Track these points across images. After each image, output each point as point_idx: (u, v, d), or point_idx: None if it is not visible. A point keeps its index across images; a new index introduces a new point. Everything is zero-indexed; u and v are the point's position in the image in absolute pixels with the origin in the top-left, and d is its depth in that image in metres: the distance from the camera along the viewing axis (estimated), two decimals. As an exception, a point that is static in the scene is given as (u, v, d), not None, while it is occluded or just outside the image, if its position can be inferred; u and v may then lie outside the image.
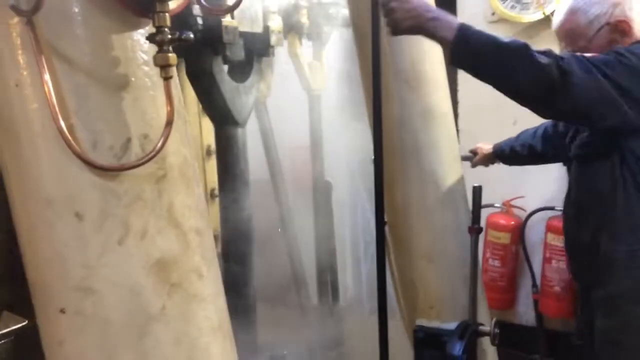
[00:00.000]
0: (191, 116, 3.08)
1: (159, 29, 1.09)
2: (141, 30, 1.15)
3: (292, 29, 3.56)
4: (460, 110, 4.74)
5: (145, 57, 1.14)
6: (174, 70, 1.11)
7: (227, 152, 2.91)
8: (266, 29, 2.99)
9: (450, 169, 2.63)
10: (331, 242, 4.12)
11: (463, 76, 4.52)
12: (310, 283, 4.00)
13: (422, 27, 1.91)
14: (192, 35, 1.11)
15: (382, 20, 2.04)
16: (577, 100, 1.85)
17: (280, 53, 3.60)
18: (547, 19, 3.93)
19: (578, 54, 1.96)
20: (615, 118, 1.91)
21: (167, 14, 1.09)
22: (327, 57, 4.10)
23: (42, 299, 1.13)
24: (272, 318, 3.98)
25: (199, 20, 2.50)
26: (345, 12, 3.66)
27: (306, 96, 3.96)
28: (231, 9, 1.45)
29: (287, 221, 3.91)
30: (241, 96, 2.86)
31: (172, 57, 1.10)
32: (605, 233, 2.10)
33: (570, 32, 2.07)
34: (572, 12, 2.06)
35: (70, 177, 1.07)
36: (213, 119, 2.97)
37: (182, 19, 2.19)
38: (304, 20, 3.57)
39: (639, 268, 2.01)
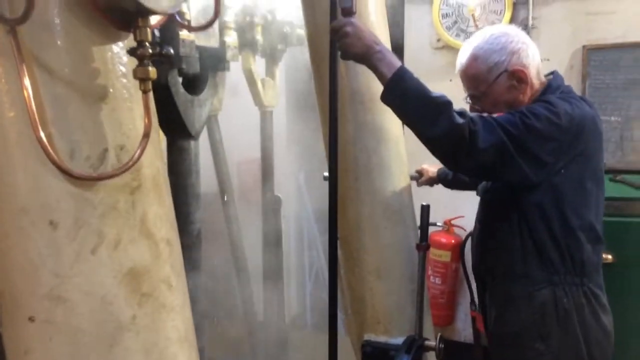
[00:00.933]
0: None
1: (140, 43, 1.11)
2: (120, 43, 1.17)
3: (246, 45, 3.61)
4: (406, 131, 4.91)
5: (124, 69, 1.16)
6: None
7: (179, 164, 2.90)
8: (222, 43, 3.02)
9: (400, 188, 2.72)
10: (279, 256, 4.15)
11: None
12: (256, 298, 4.01)
13: (368, 57, 2.08)
14: (172, 51, 1.14)
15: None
16: (480, 160, 2.01)
17: (234, 68, 3.64)
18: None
19: (485, 114, 2.13)
20: (514, 175, 2.07)
21: (148, 29, 1.12)
22: (281, 74, 4.17)
23: (11, 307, 1.12)
24: (217, 333, 3.96)
25: (156, 32, 2.51)
26: (300, 31, 3.74)
27: (258, 112, 4.01)
28: (207, 26, 1.49)
29: (235, 235, 3.92)
30: (195, 109, 2.87)
31: (152, 70, 1.13)
32: (503, 274, 2.27)
33: (472, 77, 2.23)
34: (474, 59, 2.20)
35: (47, 186, 1.07)
36: (166, 131, 2.97)
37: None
38: (259, 37, 3.62)
39: (536, 307, 2.17)
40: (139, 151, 1.10)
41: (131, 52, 1.11)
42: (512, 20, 4.28)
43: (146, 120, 1.12)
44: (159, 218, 1.22)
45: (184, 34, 2.58)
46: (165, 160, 3.12)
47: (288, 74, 4.71)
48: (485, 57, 2.17)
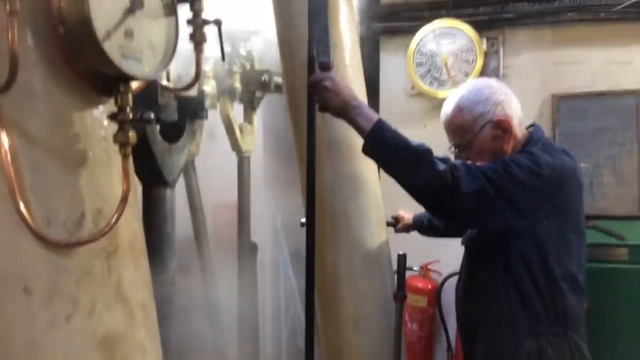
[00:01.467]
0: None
1: (121, 109, 1.12)
2: (101, 107, 1.18)
3: (224, 92, 3.64)
4: (383, 175, 4.95)
5: (104, 133, 1.17)
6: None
7: (154, 212, 2.88)
8: (201, 92, 3.04)
9: (377, 236, 2.74)
10: (254, 303, 4.09)
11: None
12: (231, 345, 3.94)
13: (346, 112, 2.13)
14: (152, 116, 1.15)
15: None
16: (463, 206, 2.06)
17: (212, 112, 3.66)
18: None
19: (469, 162, 2.18)
20: (497, 223, 2.12)
21: (129, 95, 1.13)
22: (259, 119, 4.20)
23: (-19, 376, 1.09)
24: (192, 383, 3.86)
25: (136, 83, 2.52)
26: (278, 79, 3.79)
27: (235, 157, 4.01)
28: (188, 88, 1.51)
29: (209, 282, 3.87)
30: (172, 157, 2.86)
31: (132, 135, 1.13)
32: (488, 324, 2.28)
33: (457, 127, 2.29)
34: (459, 109, 2.26)
35: (22, 252, 1.05)
36: (142, 179, 2.95)
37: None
38: (237, 85, 3.66)
39: (522, 357, 2.17)
40: (116, 216, 1.10)
41: (112, 117, 1.12)
42: (484, 69, 4.40)
43: (125, 185, 1.12)
44: (135, 282, 1.21)
45: (163, 83, 2.60)
46: (141, 209, 3.11)
47: (266, 119, 4.75)
48: (471, 108, 2.23)
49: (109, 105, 1.18)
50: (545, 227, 2.13)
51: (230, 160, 4.10)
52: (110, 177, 1.17)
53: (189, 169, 3.88)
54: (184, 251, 4.12)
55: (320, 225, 2.62)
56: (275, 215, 5.00)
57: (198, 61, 1.42)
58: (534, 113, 4.34)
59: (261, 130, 4.70)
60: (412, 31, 4.53)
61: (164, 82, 2.65)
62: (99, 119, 1.16)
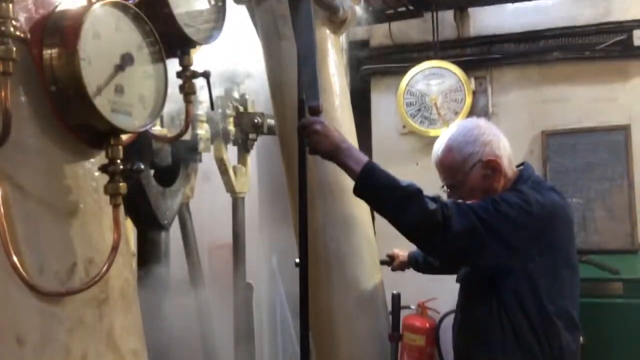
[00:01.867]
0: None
1: (112, 161, 1.16)
2: (93, 159, 1.21)
3: (218, 135, 3.70)
4: (376, 214, 4.99)
5: (94, 184, 1.20)
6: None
7: (149, 256, 2.89)
8: (194, 136, 3.09)
9: (370, 275, 2.75)
10: (250, 345, 4.06)
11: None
12: (228, 389, 3.89)
13: (336, 155, 2.18)
14: (142, 166, 1.19)
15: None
16: (454, 244, 2.09)
17: (207, 155, 3.71)
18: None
19: (460, 200, 2.21)
20: (489, 260, 2.14)
21: (120, 147, 1.17)
22: (253, 160, 4.25)
23: None
24: None
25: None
26: (271, 121, 3.85)
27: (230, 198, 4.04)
28: (177, 137, 1.55)
29: (205, 325, 3.84)
30: (166, 200, 2.89)
31: (123, 186, 1.17)
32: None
33: (448, 167, 2.33)
34: (449, 150, 2.30)
35: (15, 302, 1.07)
36: (137, 223, 2.97)
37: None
38: (231, 127, 3.72)
39: None
40: (107, 265, 1.12)
41: (103, 169, 1.16)
42: (473, 107, 4.49)
43: (115, 235, 1.15)
44: (126, 330, 1.22)
45: (156, 129, 2.65)
46: (135, 252, 3.13)
47: (261, 161, 4.80)
48: (460, 148, 2.27)
49: (101, 157, 1.22)
50: (537, 264, 2.15)
51: (226, 202, 4.13)
52: (101, 227, 1.20)
53: (183, 212, 3.89)
54: (179, 293, 4.11)
55: (314, 266, 2.63)
56: (271, 255, 5.01)
57: (188, 111, 1.47)
58: (525, 150, 4.41)
59: (256, 172, 4.75)
60: (402, 72, 4.64)
61: (158, 128, 2.72)
62: (90, 170, 1.20)
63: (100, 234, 1.20)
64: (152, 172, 2.82)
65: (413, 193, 2.07)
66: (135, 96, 1.19)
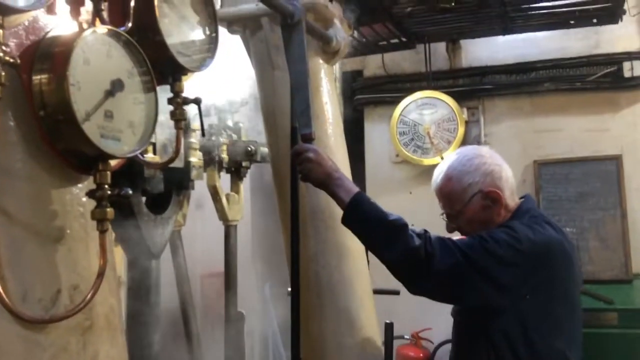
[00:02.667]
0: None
1: (100, 186, 1.15)
2: (80, 185, 1.21)
3: (211, 162, 3.70)
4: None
5: (81, 209, 1.19)
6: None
7: (139, 284, 2.86)
8: (187, 163, 3.09)
9: (363, 305, 2.73)
10: (241, 376, 4.00)
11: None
12: (218, 421, 3.82)
13: (327, 184, 2.15)
14: (130, 192, 1.19)
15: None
16: (438, 282, 2.04)
17: (200, 183, 3.70)
18: (446, 163, 4.34)
19: (448, 236, 2.15)
20: (475, 300, 2.10)
21: (108, 172, 1.16)
22: (246, 188, 4.24)
23: None
24: None
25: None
26: (264, 149, 3.86)
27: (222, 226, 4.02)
28: (168, 163, 1.55)
29: (196, 353, 3.79)
30: (158, 228, 2.87)
31: (110, 211, 1.16)
32: None
33: (446, 196, 2.27)
34: (448, 179, 2.25)
35: (-4, 329, 1.06)
36: (127, 250, 2.94)
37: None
38: (224, 155, 3.72)
39: None
40: (91, 292, 1.11)
41: (90, 194, 1.15)
42: (465, 137, 4.52)
43: (101, 261, 1.14)
44: (111, 358, 1.20)
45: (148, 156, 2.65)
46: (125, 280, 3.10)
47: (255, 188, 4.79)
48: (459, 178, 2.22)
49: (89, 183, 1.21)
50: (528, 303, 2.07)
51: (218, 229, 4.11)
52: (87, 253, 1.19)
53: (175, 239, 3.87)
54: (170, 321, 4.07)
55: (305, 294, 2.61)
56: (264, 284, 4.97)
57: (178, 137, 1.47)
58: (517, 179, 4.33)
59: (249, 200, 4.74)
60: (395, 102, 4.68)
61: (150, 155, 2.72)
62: (78, 196, 1.19)
63: (87, 260, 1.18)
64: (143, 199, 2.82)
65: (399, 228, 2.04)
66: (125, 122, 1.19)
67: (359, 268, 2.77)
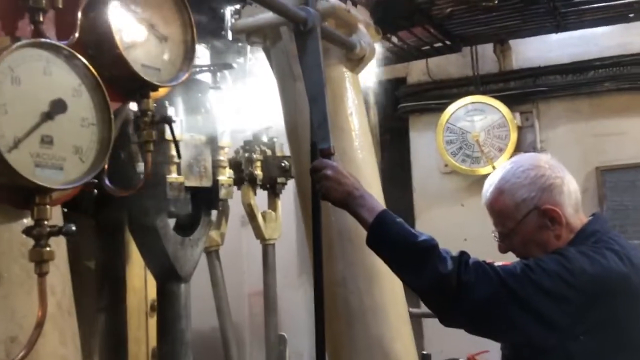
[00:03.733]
0: (137, 269, 2.98)
1: (38, 222, 1.01)
2: (25, 220, 1.07)
3: (245, 180, 3.58)
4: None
5: (24, 249, 1.05)
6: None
7: (167, 309, 2.77)
8: (215, 182, 2.98)
9: (398, 333, 2.50)
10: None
11: (421, 226, 4.57)
12: None
13: (348, 203, 1.94)
14: (74, 228, 1.03)
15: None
16: (472, 314, 1.77)
17: (236, 202, 3.60)
18: (497, 173, 4.05)
19: (489, 260, 1.87)
20: (516, 336, 1.82)
21: (47, 206, 1.02)
22: (290, 206, 4.11)
23: None
24: None
25: (142, 177, 2.47)
26: (298, 165, 3.71)
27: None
28: (135, 189, 1.40)
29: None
30: (186, 250, 2.77)
31: (48, 252, 1.01)
32: None
33: (498, 213, 1.97)
34: (499, 192, 1.96)
35: None
36: (155, 275, 2.86)
37: (125, 175, 2.16)
38: (258, 172, 3.60)
39: None
40: (24, 350, 0.96)
41: (26, 232, 1.01)
42: (519, 143, 4.21)
43: (40, 313, 0.98)
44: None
45: (171, 176, 2.55)
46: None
47: (298, 204, 4.64)
48: (512, 192, 1.91)
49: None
50: (581, 344, 1.74)
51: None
52: (29, 299, 1.05)
53: (213, 259, 3.78)
54: (209, 346, 3.96)
55: (334, 322, 2.42)
56: (309, 305, 4.78)
57: (146, 161, 1.31)
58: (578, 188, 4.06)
59: (294, 216, 4.59)
60: (441, 109, 4.42)
61: (174, 176, 2.61)
62: (19, 234, 1.05)
63: (28, 306, 1.04)
64: (170, 221, 2.72)
65: (427, 251, 1.78)
66: (69, 147, 1.04)
67: (393, 292, 2.55)
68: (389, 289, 2.52)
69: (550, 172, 1.93)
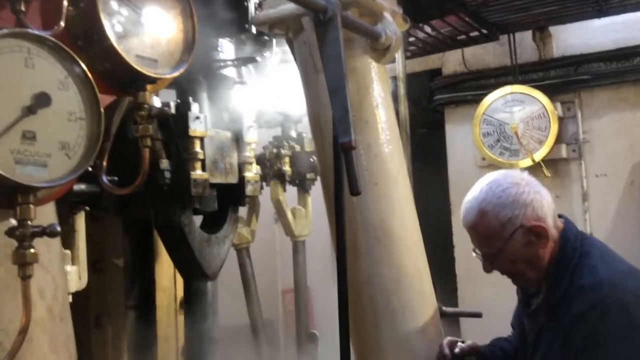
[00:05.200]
0: (166, 267, 2.98)
1: (21, 223, 0.96)
2: (13, 221, 1.02)
3: (274, 176, 3.54)
4: (457, 254, 4.58)
5: (9, 251, 1.01)
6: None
7: (194, 307, 2.76)
8: (241, 179, 2.94)
9: (426, 334, 2.39)
10: (316, 401, 3.79)
11: (458, 222, 4.43)
12: None
13: None
14: (58, 228, 0.98)
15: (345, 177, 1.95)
16: None
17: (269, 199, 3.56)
18: (537, 166, 3.88)
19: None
20: None
21: (30, 206, 0.97)
22: (314, 203, 4.04)
23: None
24: None
25: (167, 175, 2.45)
26: (330, 160, 3.63)
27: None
28: (134, 188, 1.34)
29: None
30: (212, 248, 2.75)
31: (32, 254, 0.96)
32: None
33: (483, 234, 1.95)
34: (482, 214, 1.93)
35: None
36: (182, 273, 2.85)
37: (150, 173, 2.15)
38: (287, 167, 3.55)
39: None
40: (6, 358, 0.91)
41: (9, 232, 0.96)
42: (560, 135, 4.02)
43: (24, 318, 0.93)
44: None
45: (196, 173, 2.52)
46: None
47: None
48: (496, 212, 1.91)
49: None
50: None
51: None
52: (15, 302, 1.00)
53: (243, 256, 3.75)
54: (239, 342, 3.92)
55: (360, 322, 2.34)
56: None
57: (144, 156, 1.25)
58: (623, 180, 3.85)
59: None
60: (477, 100, 4.27)
61: (199, 172, 2.58)
62: (3, 235, 1.00)
63: (14, 311, 0.99)
64: (197, 219, 2.70)
65: None
66: (54, 143, 0.99)
67: (422, 292, 2.44)
68: (417, 289, 2.41)
69: (528, 188, 1.92)
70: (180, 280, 3.18)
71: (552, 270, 1.92)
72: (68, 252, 1.74)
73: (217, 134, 2.79)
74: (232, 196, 2.89)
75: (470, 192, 2.01)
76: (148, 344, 2.86)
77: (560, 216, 2.02)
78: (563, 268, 1.90)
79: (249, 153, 3.02)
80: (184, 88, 2.65)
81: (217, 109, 2.81)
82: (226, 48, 2.91)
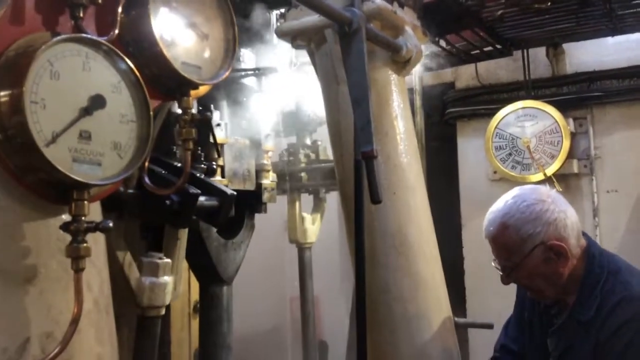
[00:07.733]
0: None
1: (75, 218, 1.00)
2: (65, 216, 1.07)
3: (290, 184, 3.57)
4: (466, 267, 4.60)
5: (61, 244, 1.05)
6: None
7: (210, 311, 2.78)
8: (259, 186, 2.98)
9: (442, 342, 2.42)
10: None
11: (468, 235, 4.45)
12: None
13: None
14: (111, 224, 1.02)
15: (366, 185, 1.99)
16: None
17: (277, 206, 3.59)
18: (549, 180, 3.91)
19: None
20: None
21: (85, 202, 1.01)
22: (334, 210, 4.09)
23: None
24: None
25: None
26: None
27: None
28: (178, 189, 1.39)
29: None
30: (229, 253, 2.77)
31: (85, 248, 1.00)
32: None
33: (503, 247, 1.97)
34: (504, 227, 1.96)
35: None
36: (198, 277, 2.88)
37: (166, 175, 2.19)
38: (302, 174, 3.59)
39: None
40: (59, 347, 0.95)
41: (64, 227, 1.00)
42: (572, 150, 4.05)
43: (75, 309, 0.97)
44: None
45: (215, 180, 2.56)
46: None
47: (340, 209, 4.61)
48: (518, 227, 1.92)
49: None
50: None
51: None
52: (65, 296, 1.04)
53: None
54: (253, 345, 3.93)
55: (377, 330, 2.36)
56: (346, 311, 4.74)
57: (186, 160, 1.30)
58: (634, 197, 3.87)
59: (337, 221, 4.56)
60: (490, 114, 4.30)
61: (218, 179, 2.62)
62: (56, 229, 1.05)
63: (65, 302, 1.03)
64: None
65: None
66: (107, 143, 1.04)
67: (438, 300, 2.47)
68: (433, 297, 2.44)
69: (553, 207, 1.93)
70: (194, 285, 3.22)
71: (579, 288, 1.93)
72: (169, 261, 1.72)
73: (236, 141, 2.83)
74: (249, 203, 2.92)
75: (495, 204, 2.03)
76: (161, 347, 2.89)
77: (583, 234, 2.03)
78: (592, 285, 1.91)
79: (266, 161, 3.07)
80: (206, 95, 2.71)
81: (236, 117, 2.86)
82: (247, 57, 2.97)
